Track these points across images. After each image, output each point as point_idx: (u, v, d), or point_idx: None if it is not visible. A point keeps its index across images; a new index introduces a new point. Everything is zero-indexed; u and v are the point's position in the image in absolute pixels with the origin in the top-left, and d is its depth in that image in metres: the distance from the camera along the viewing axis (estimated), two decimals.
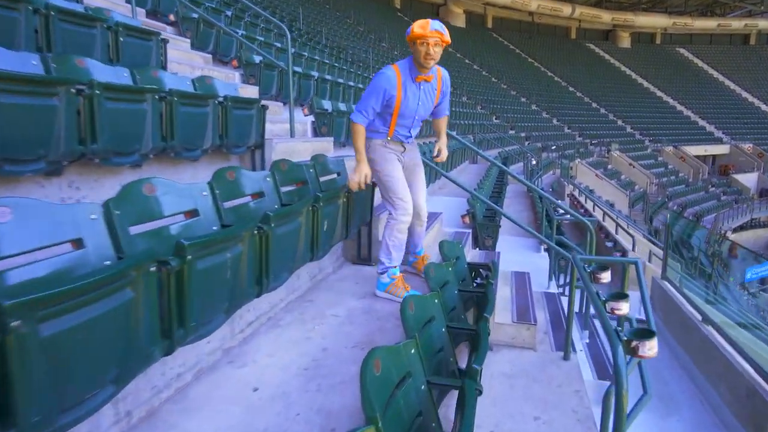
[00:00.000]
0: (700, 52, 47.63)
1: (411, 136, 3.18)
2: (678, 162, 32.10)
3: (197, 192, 2.15)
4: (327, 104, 6.24)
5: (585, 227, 4.49)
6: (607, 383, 3.83)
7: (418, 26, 2.87)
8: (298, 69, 7.37)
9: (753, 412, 3.25)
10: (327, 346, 2.48)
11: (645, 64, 44.27)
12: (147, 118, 2.79)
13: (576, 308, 4.37)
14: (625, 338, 2.02)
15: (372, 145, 3.09)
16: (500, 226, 6.11)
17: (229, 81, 5.26)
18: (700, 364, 3.95)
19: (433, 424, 1.92)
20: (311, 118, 5.95)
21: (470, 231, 5.31)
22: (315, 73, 7.76)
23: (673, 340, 4.51)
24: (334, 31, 21.60)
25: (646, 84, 42.05)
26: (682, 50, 48.22)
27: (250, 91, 5.51)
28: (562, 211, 6.24)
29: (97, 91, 2.41)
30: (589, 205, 12.93)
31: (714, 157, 35.24)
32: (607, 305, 2.54)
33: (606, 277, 2.99)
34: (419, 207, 3.31)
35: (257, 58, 6.37)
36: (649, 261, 8.67)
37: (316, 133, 5.92)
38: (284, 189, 3.01)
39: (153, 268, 1.51)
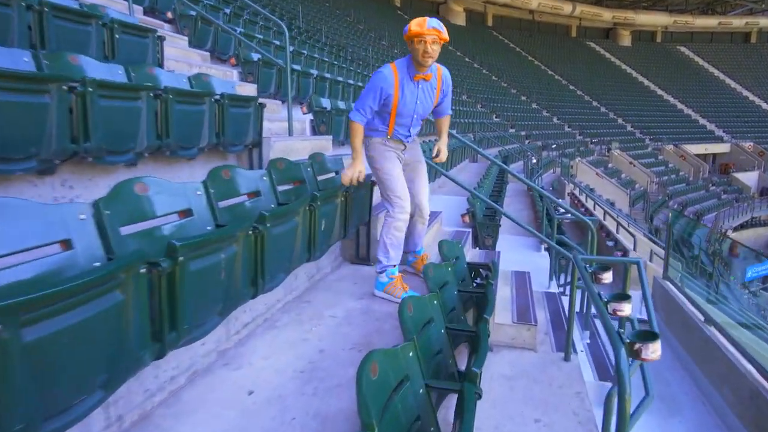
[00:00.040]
0: (701, 51, 47.53)
1: (410, 135, 3.16)
2: (678, 160, 32.03)
3: (191, 191, 2.11)
4: (326, 102, 6.20)
5: (586, 226, 4.45)
6: (609, 384, 3.81)
7: (416, 24, 2.83)
8: (297, 67, 7.32)
9: (757, 414, 3.21)
10: (324, 348, 2.44)
11: (645, 63, 44.17)
12: (142, 116, 2.75)
13: (576, 308, 4.33)
14: (628, 341, 1.98)
15: (371, 143, 3.09)
16: (500, 226, 6.07)
17: (227, 79, 5.22)
18: (703, 364, 3.90)
19: (432, 429, 1.89)
20: (310, 116, 5.91)
21: (470, 230, 5.27)
22: (314, 71, 7.71)
23: (674, 340, 4.47)
24: (334, 29, 21.53)
25: (646, 82, 41.97)
26: (682, 48, 48.13)
27: (249, 89, 5.46)
28: (562, 210, 6.20)
29: (90, 89, 2.37)
30: (589, 204, 12.88)
31: (714, 155, 35.17)
32: (608, 306, 2.50)
33: (608, 277, 2.95)
34: (421, 205, 3.30)
35: (255, 56, 6.32)
36: (650, 260, 8.63)
37: (315, 131, 5.87)
38: (281, 188, 2.97)
39: (143, 270, 1.47)
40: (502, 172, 10.90)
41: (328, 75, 8.33)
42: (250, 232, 2.04)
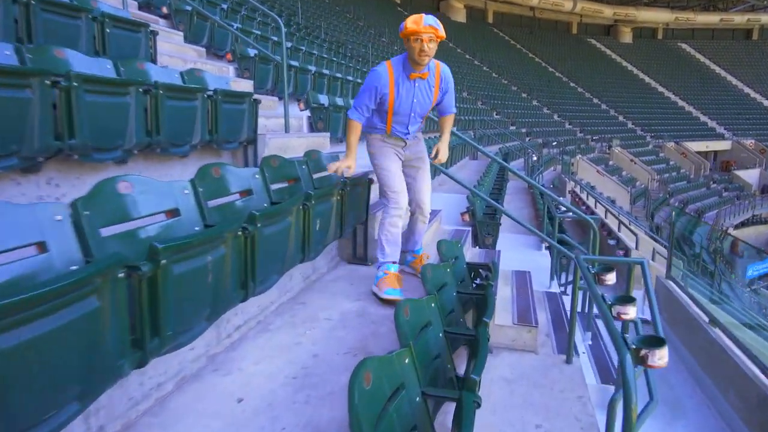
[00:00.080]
0: (702, 47, 47.33)
1: (409, 133, 3.12)
2: (679, 158, 31.92)
3: (178, 190, 2.03)
4: (323, 99, 6.10)
5: (587, 225, 4.37)
6: (611, 387, 3.73)
7: (412, 22, 2.77)
8: (294, 63, 7.23)
9: (764, 419, 3.12)
10: (318, 353, 2.36)
11: (647, 60, 43.99)
12: (130, 112, 2.66)
13: (578, 308, 4.24)
14: (634, 346, 1.89)
15: (371, 140, 3.12)
16: (500, 224, 5.98)
17: (222, 75, 5.12)
18: (707, 367, 3.82)
19: None
20: (307, 113, 5.81)
21: (470, 229, 5.18)
22: (312, 68, 7.61)
23: (678, 341, 4.39)
24: (334, 25, 21.40)
25: (647, 79, 41.81)
26: (684, 45, 47.94)
27: (245, 85, 5.38)
28: (564, 209, 6.11)
29: (75, 83, 2.28)
30: (590, 202, 12.79)
31: (716, 153, 35.04)
32: (612, 309, 2.41)
33: (611, 278, 2.87)
34: (422, 203, 3.27)
35: (252, 52, 6.23)
36: (653, 259, 8.54)
37: (312, 128, 5.78)
38: (275, 186, 2.88)
39: (121, 274, 1.38)
40: (502, 170, 10.82)
41: (326, 71, 8.22)
42: (240, 233, 1.95)
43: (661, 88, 40.63)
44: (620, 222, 10.38)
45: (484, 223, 5.80)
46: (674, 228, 5.66)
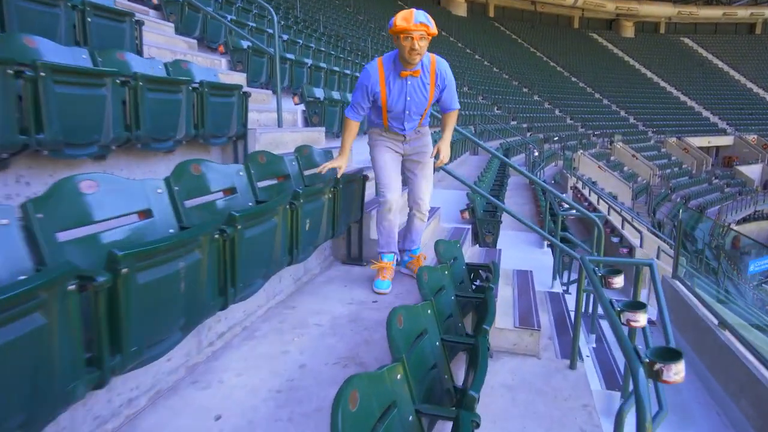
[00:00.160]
0: (705, 42, 46.96)
1: (406, 130, 3.02)
2: (681, 153, 31.69)
3: (151, 189, 1.86)
4: (318, 92, 5.92)
5: (590, 222, 4.20)
6: (617, 394, 3.58)
7: (401, 18, 2.64)
8: (290, 56, 7.04)
9: None
10: (305, 363, 2.20)
11: (649, 54, 43.66)
12: (106, 105, 2.49)
13: (582, 310, 4.08)
14: (647, 360, 1.73)
15: (370, 133, 3.11)
16: (501, 222, 5.82)
17: (213, 67, 4.94)
18: (717, 372, 3.66)
19: None
20: (302, 107, 5.63)
21: (470, 227, 5.01)
22: (308, 61, 7.42)
23: (686, 344, 4.23)
24: (333, 19, 21.17)
25: (649, 74, 41.50)
26: (686, 40, 47.56)
27: (237, 78, 5.19)
28: (566, 206, 5.94)
29: (43, 73, 2.11)
30: (593, 198, 12.61)
31: (718, 148, 34.82)
32: (621, 316, 2.25)
33: (619, 282, 2.70)
34: (419, 199, 3.18)
35: (245, 44, 6.04)
36: (657, 257, 8.37)
37: (307, 123, 5.60)
38: (263, 184, 2.72)
39: (72, 287, 1.22)
40: (503, 166, 10.64)
41: (323, 65, 8.03)
42: (217, 236, 1.79)
43: (663, 83, 40.34)
44: (623, 219, 10.20)
45: (484, 221, 5.63)
46: (681, 226, 5.49)
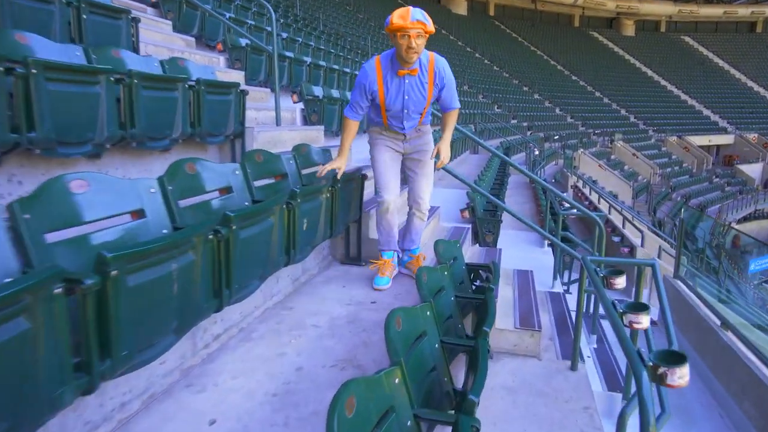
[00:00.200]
0: (706, 41, 46.86)
1: (405, 128, 2.99)
2: (682, 152, 31.63)
3: (143, 189, 1.82)
4: (317, 90, 5.87)
5: (591, 221, 4.16)
6: (618, 395, 3.54)
7: (398, 16, 2.61)
8: (290, 54, 6.99)
9: None
10: (302, 365, 2.16)
11: (649, 53, 43.57)
12: (100, 103, 2.45)
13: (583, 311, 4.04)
14: (651, 363, 1.69)
15: (370, 131, 3.09)
16: (502, 221, 5.77)
17: (211, 65, 4.90)
18: (720, 373, 3.62)
19: None
20: (300, 105, 5.59)
21: (470, 226, 4.97)
22: (307, 59, 7.37)
23: (687, 345, 4.19)
24: (333, 17, 21.11)
25: (650, 73, 41.42)
26: (687, 38, 47.45)
27: (236, 77, 5.15)
28: (567, 205, 5.90)
29: (34, 70, 2.07)
30: (593, 197, 12.56)
31: (718, 147, 34.74)
32: (624, 317, 2.21)
33: (621, 282, 2.66)
34: (419, 197, 3.15)
35: (243, 42, 5.99)
36: (659, 257, 8.33)
37: (306, 121, 5.56)
38: (260, 183, 2.68)
39: (59, 290, 1.18)
40: (503, 164, 10.60)
41: (323, 63, 7.98)
42: (211, 236, 1.75)
43: (663, 82, 40.26)
44: (624, 218, 10.15)
45: (484, 221, 5.59)
46: (683, 226, 5.44)
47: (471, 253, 4.65)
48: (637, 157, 27.14)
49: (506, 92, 28.31)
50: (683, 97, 38.58)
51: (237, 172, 2.41)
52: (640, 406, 1.66)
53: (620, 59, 43.09)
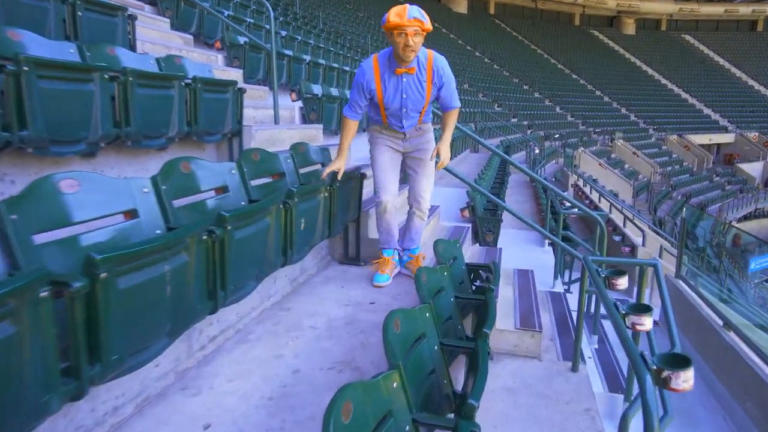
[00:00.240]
0: (706, 39, 46.77)
1: (404, 127, 2.95)
2: (682, 151, 31.58)
3: (137, 188, 1.78)
4: (316, 88, 5.83)
5: (591, 220, 4.12)
6: (620, 396, 3.50)
7: (395, 14, 2.56)
8: (288, 52, 6.95)
9: None
10: (299, 368, 2.13)
11: (650, 51, 43.49)
12: (94, 101, 2.41)
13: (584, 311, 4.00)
14: (654, 367, 1.66)
15: (370, 129, 3.08)
16: (502, 221, 5.73)
17: (209, 63, 4.86)
18: (722, 374, 3.59)
19: None
20: (299, 103, 5.55)
21: (470, 225, 4.94)
22: (307, 57, 7.33)
23: (689, 345, 4.16)
24: (333, 16, 21.05)
25: (650, 71, 41.35)
26: (687, 37, 47.37)
27: (234, 75, 5.11)
28: (568, 204, 5.86)
29: (26, 68, 2.03)
30: (594, 196, 12.51)
31: (719, 146, 34.69)
32: (626, 319, 2.18)
33: (623, 283, 2.63)
34: (419, 196, 3.12)
35: (242, 40, 5.95)
36: (660, 256, 8.28)
37: (305, 119, 5.52)
38: (257, 182, 2.64)
39: (45, 293, 1.14)
40: (503, 163, 10.56)
41: (322, 61, 7.94)
42: (205, 237, 1.71)
43: (664, 81, 40.20)
44: (625, 217, 10.11)
45: (484, 220, 5.56)
46: (685, 225, 5.40)
47: (471, 252, 4.61)
48: (638, 156, 27.10)
49: (506, 91, 28.26)
50: (684, 95, 38.52)
51: (233, 171, 2.37)
52: (643, 411, 1.63)
53: (621, 58, 43.02)
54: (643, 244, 8.72)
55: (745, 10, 47.11)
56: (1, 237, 1.29)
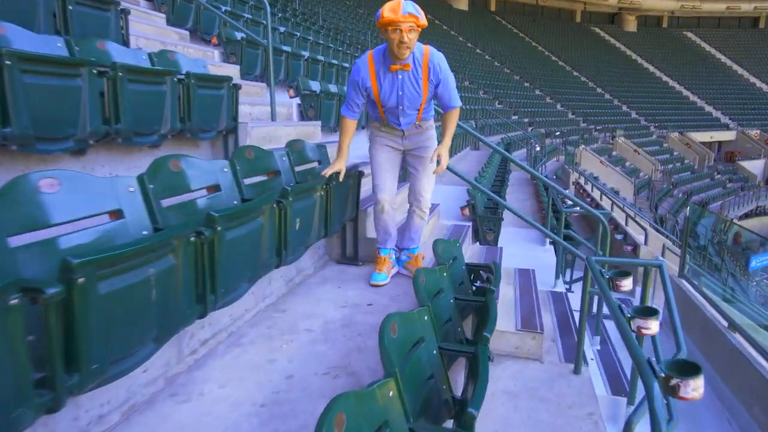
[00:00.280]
0: (708, 36, 46.59)
1: (401, 125, 2.88)
2: (683, 148, 31.49)
3: (122, 188, 1.71)
4: (315, 85, 5.75)
5: (593, 218, 4.04)
6: (623, 400, 3.43)
7: (389, 10, 2.49)
8: (287, 48, 6.86)
9: None
10: (293, 373, 2.06)
11: (651, 48, 43.33)
12: (82, 97, 2.33)
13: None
14: (662, 375, 1.58)
15: (370, 126, 3.05)
16: (503, 219, 5.66)
17: (205, 59, 4.78)
18: (727, 377, 3.52)
19: None
20: (297, 100, 5.47)
21: (470, 224, 4.86)
22: (305, 53, 7.24)
23: (693, 346, 4.09)
24: (333, 12, 20.94)
25: (652, 69, 41.20)
26: (689, 34, 47.19)
27: (231, 71, 5.02)
28: (570, 203, 5.78)
29: (8, 62, 1.95)
30: (595, 194, 12.43)
31: (720, 143, 34.60)
32: (631, 323, 2.10)
33: (627, 284, 2.55)
34: (419, 195, 3.06)
35: (239, 35, 5.86)
36: (663, 255, 8.21)
37: (303, 116, 5.44)
38: (251, 180, 2.57)
39: (14, 301, 1.07)
40: (504, 161, 10.49)
41: (321, 57, 7.85)
42: (193, 238, 1.64)
43: (665, 78, 40.06)
44: (627, 215, 10.03)
45: (485, 219, 5.49)
46: (688, 224, 5.33)
47: (471, 251, 4.54)
48: (639, 154, 27.01)
49: (507, 88, 28.16)
50: (685, 93, 38.39)
51: (225, 170, 2.29)
52: (651, 421, 1.56)
53: (622, 55, 42.87)
54: (646, 243, 8.64)
55: (747, 6, 46.90)
56: None
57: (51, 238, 1.43)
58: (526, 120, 24.22)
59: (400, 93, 2.71)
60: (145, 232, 1.72)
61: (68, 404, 1.48)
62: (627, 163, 25.60)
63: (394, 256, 3.20)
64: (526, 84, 31.73)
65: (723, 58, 43.92)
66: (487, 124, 17.47)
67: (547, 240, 6.53)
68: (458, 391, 2.32)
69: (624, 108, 34.39)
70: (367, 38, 17.75)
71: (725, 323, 3.82)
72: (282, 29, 8.62)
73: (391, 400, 1.53)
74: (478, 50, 33.99)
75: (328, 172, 2.80)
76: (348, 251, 3.46)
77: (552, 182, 4.89)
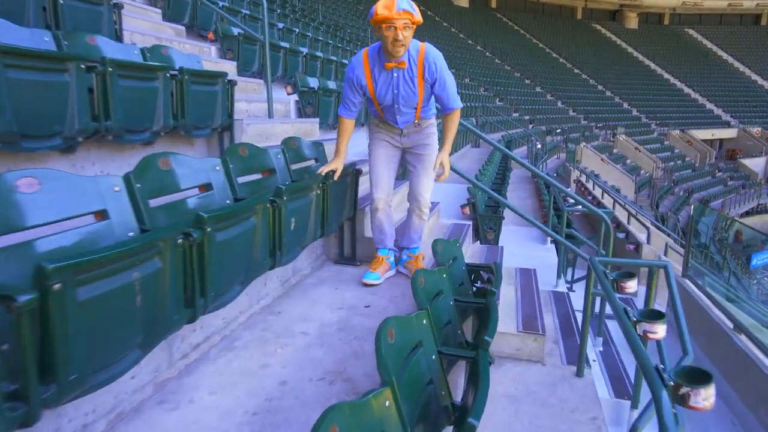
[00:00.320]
0: (710, 33, 46.40)
1: (398, 123, 2.83)
2: (685, 146, 31.38)
3: (107, 187, 1.63)
4: (313, 82, 5.67)
5: (594, 216, 3.97)
6: (626, 403, 3.36)
7: (383, 6, 2.41)
8: (285, 44, 6.77)
9: None
10: (287, 379, 1.99)
11: (652, 46, 43.16)
12: (70, 93, 2.26)
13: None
14: (672, 383, 1.51)
15: (369, 122, 3.02)
16: (503, 218, 5.58)
17: (202, 54, 4.70)
18: (733, 380, 3.45)
19: None
20: (295, 97, 5.39)
21: (470, 223, 4.79)
22: (304, 49, 7.16)
23: (698, 348, 4.01)
24: (332, 9, 20.83)
25: (653, 66, 41.04)
26: (690, 31, 46.99)
27: (227, 67, 4.95)
28: (572, 201, 5.70)
29: None
30: (597, 192, 12.35)
31: (721, 141, 34.48)
32: (637, 327, 2.03)
33: (632, 286, 2.48)
34: (418, 194, 2.99)
35: (236, 31, 5.78)
36: (665, 254, 8.13)
37: (301, 113, 5.36)
38: (245, 179, 2.49)
39: None
40: (505, 158, 10.41)
41: (320, 53, 7.77)
42: (181, 240, 1.56)
43: (666, 75, 39.91)
44: (629, 213, 9.95)
45: (485, 217, 5.41)
46: (692, 223, 5.25)
47: (472, 250, 4.47)
48: (640, 151, 26.91)
49: (508, 85, 28.05)
50: (686, 90, 38.25)
51: (218, 168, 2.22)
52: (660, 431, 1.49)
53: (623, 52, 42.70)
54: (648, 242, 8.56)
55: (749, 3, 46.68)
56: None
57: (30, 241, 1.36)
58: (526, 117, 24.12)
59: (396, 91, 2.65)
60: (131, 234, 1.65)
61: (50, 414, 1.42)
62: (628, 161, 25.50)
63: (393, 257, 3.13)
64: (527, 81, 31.62)
65: (725, 56, 43.74)
66: (488, 122, 17.38)
67: (549, 239, 6.45)
68: (458, 395, 2.25)
69: (625, 105, 34.27)
70: (367, 35, 17.64)
71: (730, 324, 3.75)
72: (281, 25, 8.53)
73: (388, 410, 1.46)
74: (478, 47, 33.86)
75: (324, 170, 2.75)
76: (346, 251, 3.39)
77: (553, 180, 4.82)
